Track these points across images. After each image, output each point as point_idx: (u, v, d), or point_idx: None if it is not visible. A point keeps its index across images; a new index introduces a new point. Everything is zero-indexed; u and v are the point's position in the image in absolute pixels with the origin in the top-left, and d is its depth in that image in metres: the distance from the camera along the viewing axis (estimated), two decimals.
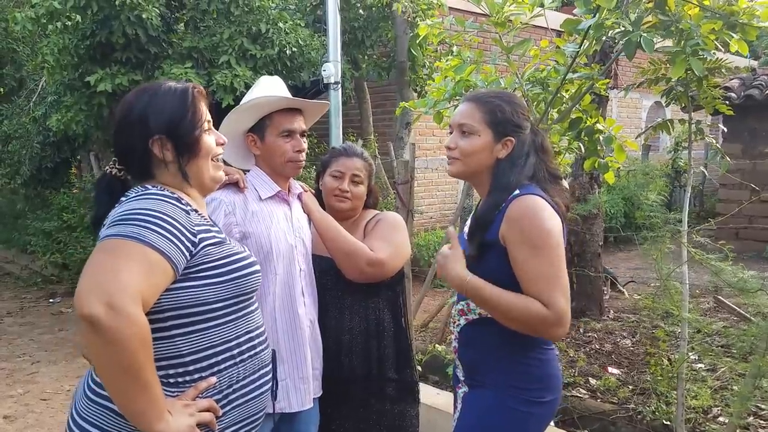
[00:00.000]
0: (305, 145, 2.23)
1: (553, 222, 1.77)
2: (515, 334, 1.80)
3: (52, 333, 6.33)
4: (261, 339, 1.67)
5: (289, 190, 2.25)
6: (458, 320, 1.97)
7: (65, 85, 6.95)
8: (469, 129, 1.91)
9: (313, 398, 2.21)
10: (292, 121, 2.18)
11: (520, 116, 1.91)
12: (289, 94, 2.23)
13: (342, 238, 2.22)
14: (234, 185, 2.12)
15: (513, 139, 1.88)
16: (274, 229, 2.13)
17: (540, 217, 1.75)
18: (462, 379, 1.99)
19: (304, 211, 2.28)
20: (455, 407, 2.04)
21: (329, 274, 2.30)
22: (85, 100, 6.58)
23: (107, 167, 1.62)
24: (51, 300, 7.65)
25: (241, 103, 2.20)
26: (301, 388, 2.14)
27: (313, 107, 2.28)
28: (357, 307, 2.32)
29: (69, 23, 6.06)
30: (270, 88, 2.19)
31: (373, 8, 8.08)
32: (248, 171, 2.25)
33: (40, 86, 8.61)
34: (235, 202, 2.09)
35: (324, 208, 2.38)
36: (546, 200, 1.80)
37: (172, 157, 1.57)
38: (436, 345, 4.57)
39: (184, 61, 6.29)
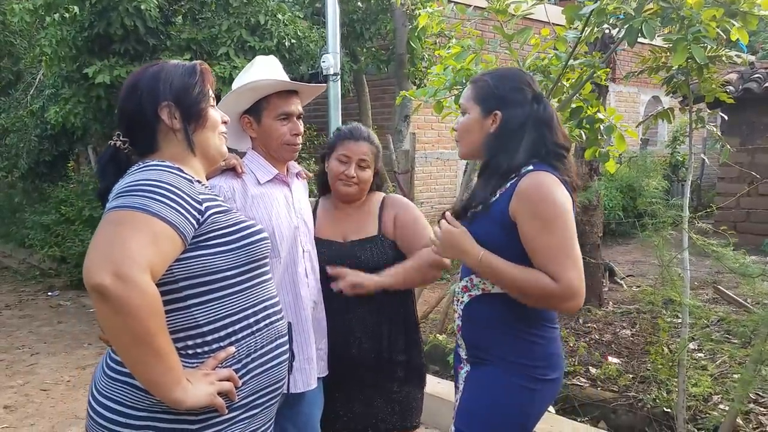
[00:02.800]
0: (302, 129, 2.22)
1: (564, 197, 1.77)
2: (518, 309, 1.81)
3: (51, 325, 6.32)
4: (276, 309, 1.68)
5: (287, 171, 2.25)
6: (461, 297, 1.97)
7: (63, 77, 6.92)
8: (463, 108, 1.98)
9: (318, 378, 2.22)
10: (289, 103, 2.17)
11: (510, 90, 1.89)
12: (285, 75, 2.22)
13: (417, 274, 2.26)
14: (231, 170, 2.11)
15: (499, 112, 1.88)
16: (276, 213, 2.12)
17: (551, 191, 1.75)
18: (465, 357, 1.99)
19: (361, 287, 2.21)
20: (456, 388, 2.04)
21: (339, 258, 2.29)
22: (84, 93, 6.55)
23: (111, 140, 1.62)
24: (49, 293, 7.63)
25: (236, 82, 2.18)
26: (306, 369, 2.14)
27: (309, 90, 2.28)
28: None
29: (67, 15, 6.04)
30: (267, 69, 2.18)
31: (372, 0, 8.07)
32: (244, 154, 2.25)
33: (37, 79, 8.57)
34: (234, 188, 2.08)
35: (328, 191, 2.39)
36: (557, 176, 1.79)
37: (180, 125, 1.58)
38: (437, 335, 4.57)
39: (183, 53, 6.26)
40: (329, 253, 2.30)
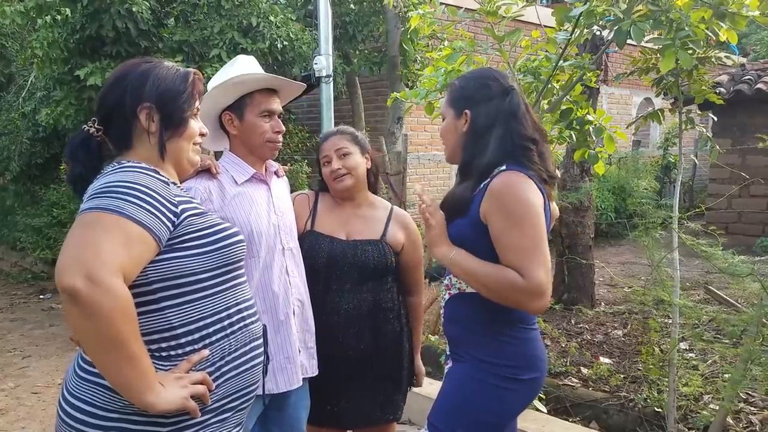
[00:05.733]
0: (283, 127, 2.23)
1: (533, 196, 1.77)
2: (491, 309, 1.82)
3: (42, 328, 6.30)
4: (251, 312, 1.66)
5: (266, 170, 2.26)
6: (444, 295, 2.00)
7: (55, 79, 6.91)
8: (442, 115, 2.02)
9: (304, 378, 2.22)
10: (271, 101, 2.18)
11: (475, 87, 1.92)
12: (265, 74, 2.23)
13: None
14: (206, 172, 2.10)
15: (468, 111, 1.91)
16: (255, 212, 2.12)
17: (520, 190, 1.76)
18: (448, 354, 2.02)
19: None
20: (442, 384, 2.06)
21: (341, 254, 2.31)
22: (75, 95, 6.54)
23: (85, 125, 1.59)
24: (41, 296, 7.61)
25: (215, 80, 2.17)
26: (287, 368, 2.14)
27: (289, 88, 2.29)
28: (359, 288, 2.33)
29: (59, 17, 6.02)
30: (249, 67, 2.19)
31: (365, 2, 8.08)
32: (220, 155, 2.25)
33: (29, 81, 8.54)
34: (210, 188, 2.07)
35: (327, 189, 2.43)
36: (530, 177, 1.80)
37: (156, 129, 1.56)
38: (429, 336, 4.57)
39: (175, 55, 6.26)
40: (331, 248, 2.31)
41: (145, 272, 1.44)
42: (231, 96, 2.15)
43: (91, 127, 1.58)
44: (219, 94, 2.13)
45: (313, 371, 2.26)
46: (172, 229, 1.46)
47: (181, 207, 1.50)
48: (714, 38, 2.91)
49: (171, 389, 1.41)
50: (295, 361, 2.17)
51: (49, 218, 7.72)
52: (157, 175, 1.50)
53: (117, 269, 1.32)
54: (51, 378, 4.91)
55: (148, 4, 6.12)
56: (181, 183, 1.81)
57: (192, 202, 1.58)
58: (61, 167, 9.59)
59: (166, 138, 1.57)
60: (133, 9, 5.96)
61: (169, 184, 1.52)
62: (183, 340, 1.50)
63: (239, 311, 1.61)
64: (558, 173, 2.03)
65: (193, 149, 1.66)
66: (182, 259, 1.49)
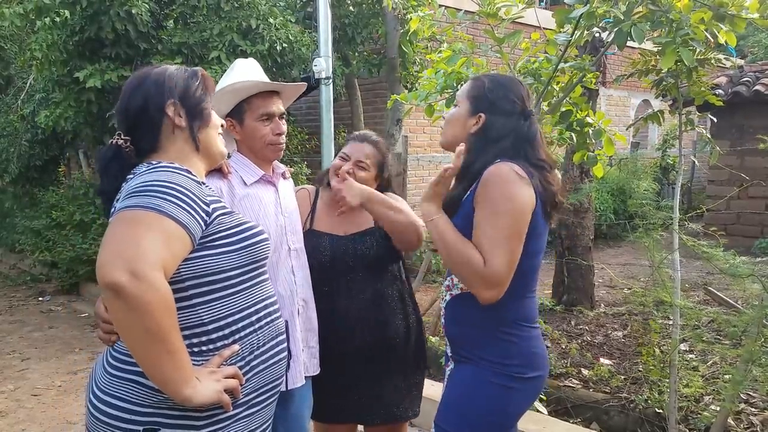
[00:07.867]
0: (285, 128, 2.25)
1: (519, 191, 1.77)
2: (493, 308, 1.82)
3: (41, 331, 6.29)
4: (275, 308, 1.71)
5: (273, 171, 2.28)
6: (445, 296, 2.00)
7: (54, 81, 6.91)
8: (456, 101, 2.02)
9: (306, 377, 2.24)
10: (269, 104, 2.20)
11: (501, 97, 1.91)
12: (265, 77, 2.24)
13: (401, 217, 2.31)
14: (218, 171, 2.12)
15: (484, 115, 1.90)
16: (263, 213, 2.15)
17: (506, 183, 1.77)
18: (450, 355, 2.02)
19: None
20: (444, 386, 2.05)
21: (340, 250, 2.35)
22: (74, 97, 6.55)
23: (112, 138, 1.62)
24: (40, 298, 7.60)
25: (218, 87, 2.19)
26: (292, 366, 2.16)
27: (289, 89, 2.30)
28: (363, 283, 2.36)
29: (58, 19, 6.02)
30: (246, 72, 2.20)
31: (364, 4, 8.09)
32: (229, 157, 2.26)
33: (28, 83, 8.54)
34: (221, 188, 2.10)
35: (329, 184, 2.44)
36: (522, 172, 1.79)
37: (186, 123, 1.61)
38: (430, 337, 4.57)
39: (174, 57, 6.26)
40: (330, 245, 2.36)
41: (177, 270, 1.47)
42: (227, 103, 2.17)
43: (118, 139, 1.61)
44: (216, 102, 2.14)
45: (314, 370, 2.28)
46: (204, 228, 1.50)
47: (212, 206, 1.54)
48: (713, 40, 2.92)
49: (206, 383, 1.45)
50: (299, 359, 2.19)
51: (48, 220, 7.70)
52: (190, 175, 1.54)
53: (158, 265, 1.35)
54: (50, 380, 4.90)
55: (147, 6, 6.12)
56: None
57: (221, 201, 1.62)
58: (60, 169, 9.61)
59: (196, 129, 1.62)
60: (133, 11, 5.97)
61: (200, 184, 1.56)
62: (214, 336, 1.54)
63: (265, 307, 1.66)
64: (558, 174, 2.03)
65: (220, 139, 1.71)
66: (213, 257, 1.53)
